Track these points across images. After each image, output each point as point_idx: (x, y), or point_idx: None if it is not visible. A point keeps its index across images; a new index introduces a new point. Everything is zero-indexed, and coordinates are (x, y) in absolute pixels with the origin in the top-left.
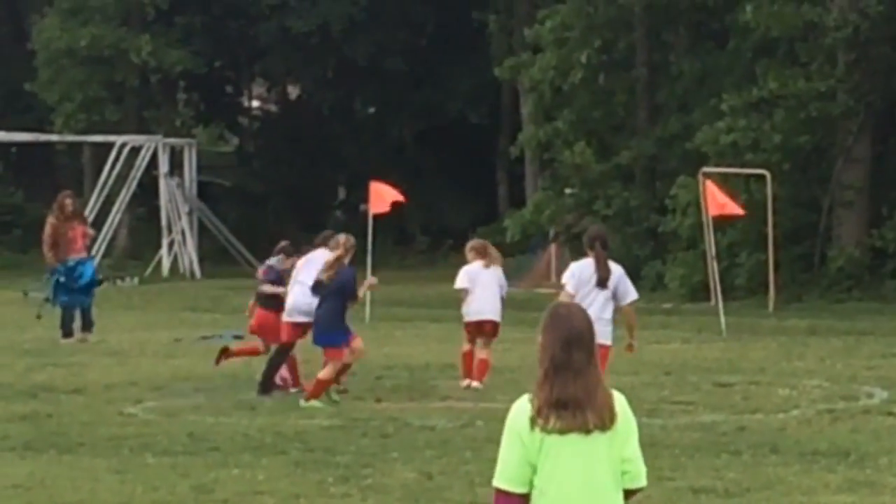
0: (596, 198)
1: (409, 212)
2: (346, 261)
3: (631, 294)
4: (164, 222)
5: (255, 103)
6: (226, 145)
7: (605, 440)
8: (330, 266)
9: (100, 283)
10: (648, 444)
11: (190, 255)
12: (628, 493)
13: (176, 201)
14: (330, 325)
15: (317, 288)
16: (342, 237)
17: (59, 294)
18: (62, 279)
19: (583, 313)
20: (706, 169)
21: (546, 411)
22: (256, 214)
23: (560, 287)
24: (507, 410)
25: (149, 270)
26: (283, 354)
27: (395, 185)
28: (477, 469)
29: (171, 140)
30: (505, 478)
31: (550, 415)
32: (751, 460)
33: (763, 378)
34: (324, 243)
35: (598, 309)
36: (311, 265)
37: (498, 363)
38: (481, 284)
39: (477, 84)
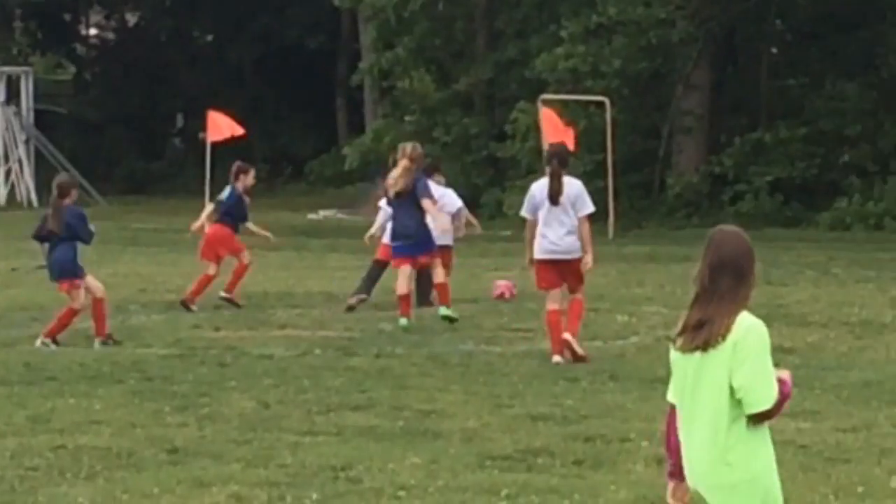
0: (435, 125)
1: (248, 139)
2: (416, 168)
3: (586, 207)
4: (0, 151)
5: (93, 31)
6: (63, 73)
7: (720, 362)
8: (400, 176)
9: None
10: (487, 372)
11: (27, 183)
12: (756, 416)
13: (13, 130)
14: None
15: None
16: (408, 146)
17: None
18: None
19: (736, 239)
20: (545, 96)
21: (681, 331)
22: (94, 142)
23: None
24: (343, 339)
25: None
26: (381, 270)
27: (233, 113)
28: (315, 397)
29: (7, 69)
30: (670, 390)
31: (683, 335)
32: (589, 387)
33: (602, 305)
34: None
35: (557, 227)
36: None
37: (337, 292)
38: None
39: (316, 10)
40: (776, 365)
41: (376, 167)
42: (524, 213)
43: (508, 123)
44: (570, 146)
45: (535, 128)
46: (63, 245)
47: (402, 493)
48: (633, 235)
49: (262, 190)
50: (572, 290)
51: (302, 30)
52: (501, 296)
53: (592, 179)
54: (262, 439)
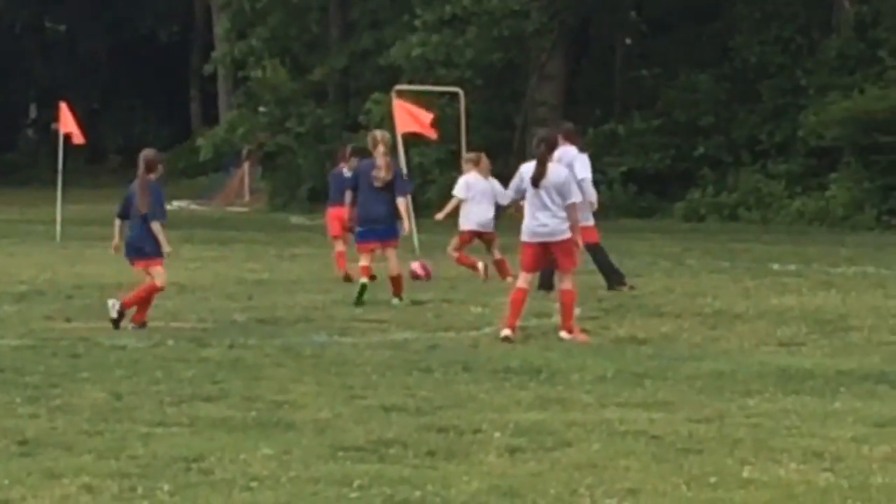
0: (289, 115)
1: (102, 130)
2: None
3: (570, 196)
4: None
5: None
6: None
7: None
8: (387, 165)
9: None
10: (340, 363)
11: None
12: None
13: None
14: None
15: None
16: (378, 133)
17: None
18: None
19: None
20: (399, 87)
21: None
22: None
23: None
24: (196, 330)
25: None
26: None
27: (86, 104)
28: (167, 388)
29: None
30: None
31: None
32: (442, 378)
33: (455, 296)
34: None
35: (543, 209)
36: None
37: (189, 282)
38: (480, 193)
39: (169, 0)
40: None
41: (230, 158)
42: (509, 192)
43: (363, 114)
44: (431, 134)
45: (389, 118)
46: (145, 223)
47: (254, 483)
48: None
49: (116, 180)
50: (562, 271)
51: (155, 20)
52: (416, 276)
53: (446, 170)
54: (114, 430)
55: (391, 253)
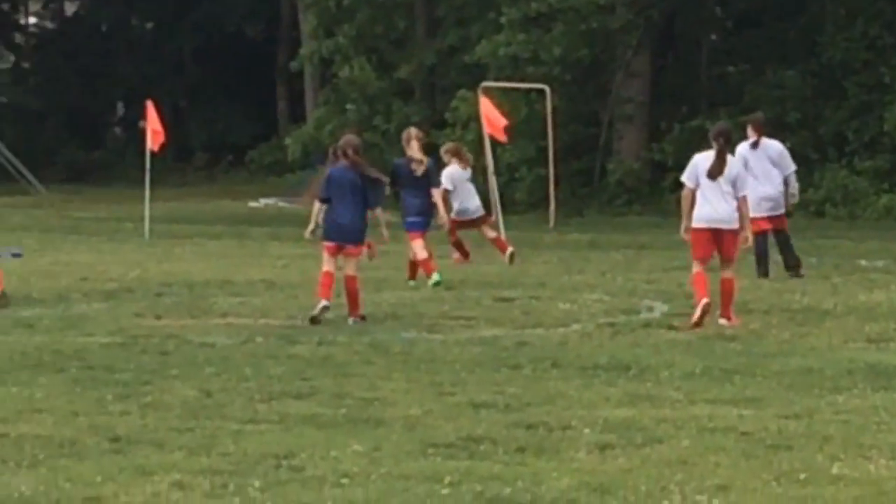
0: (377, 113)
1: (188, 128)
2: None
3: (743, 189)
4: None
5: (32, 20)
6: (2, 62)
7: None
8: (423, 156)
9: None
10: (429, 360)
11: None
12: None
13: None
14: None
15: None
16: (413, 129)
17: None
18: None
19: None
20: (486, 84)
21: None
22: (34, 132)
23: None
24: (285, 327)
25: None
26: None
27: (173, 102)
28: (257, 386)
29: None
30: None
31: None
32: (531, 374)
33: (544, 293)
34: None
35: (719, 197)
36: None
37: (278, 279)
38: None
39: None
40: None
41: (318, 155)
42: (685, 178)
43: (449, 111)
44: (502, 138)
45: (476, 116)
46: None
47: (344, 480)
48: (575, 223)
49: (202, 178)
50: (725, 262)
51: (242, 18)
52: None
53: (533, 167)
54: (204, 427)
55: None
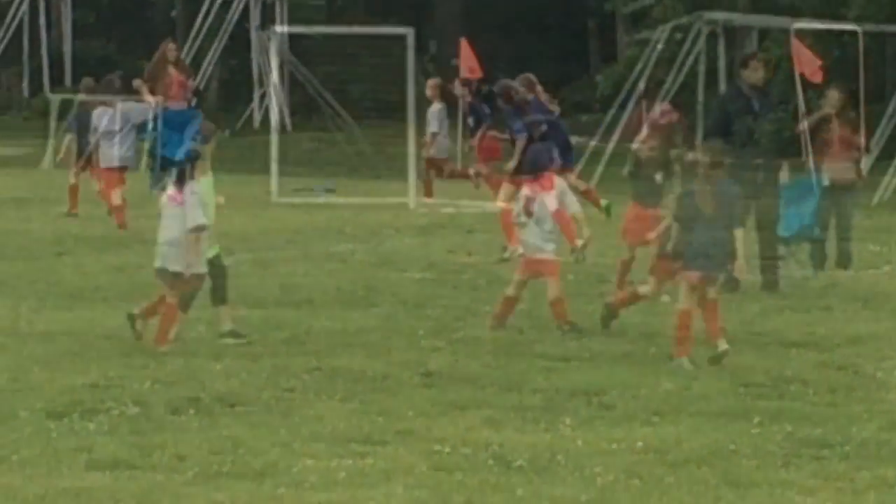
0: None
1: (498, 66)
2: None
3: None
4: (255, 76)
5: None
6: None
7: None
8: None
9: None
10: (739, 299)
11: (281, 107)
12: None
13: (267, 55)
14: None
15: None
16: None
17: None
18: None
19: None
20: (798, 24)
21: None
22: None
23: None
24: (599, 264)
25: (240, 123)
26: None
27: (486, 38)
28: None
29: None
30: None
31: None
32: (842, 316)
33: (854, 234)
34: None
35: None
36: None
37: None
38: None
39: None
40: None
41: (629, 94)
42: None
43: (762, 51)
44: (817, 79)
45: (787, 58)
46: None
47: (655, 418)
48: (884, 166)
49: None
50: None
51: None
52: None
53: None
54: (516, 365)
55: None
